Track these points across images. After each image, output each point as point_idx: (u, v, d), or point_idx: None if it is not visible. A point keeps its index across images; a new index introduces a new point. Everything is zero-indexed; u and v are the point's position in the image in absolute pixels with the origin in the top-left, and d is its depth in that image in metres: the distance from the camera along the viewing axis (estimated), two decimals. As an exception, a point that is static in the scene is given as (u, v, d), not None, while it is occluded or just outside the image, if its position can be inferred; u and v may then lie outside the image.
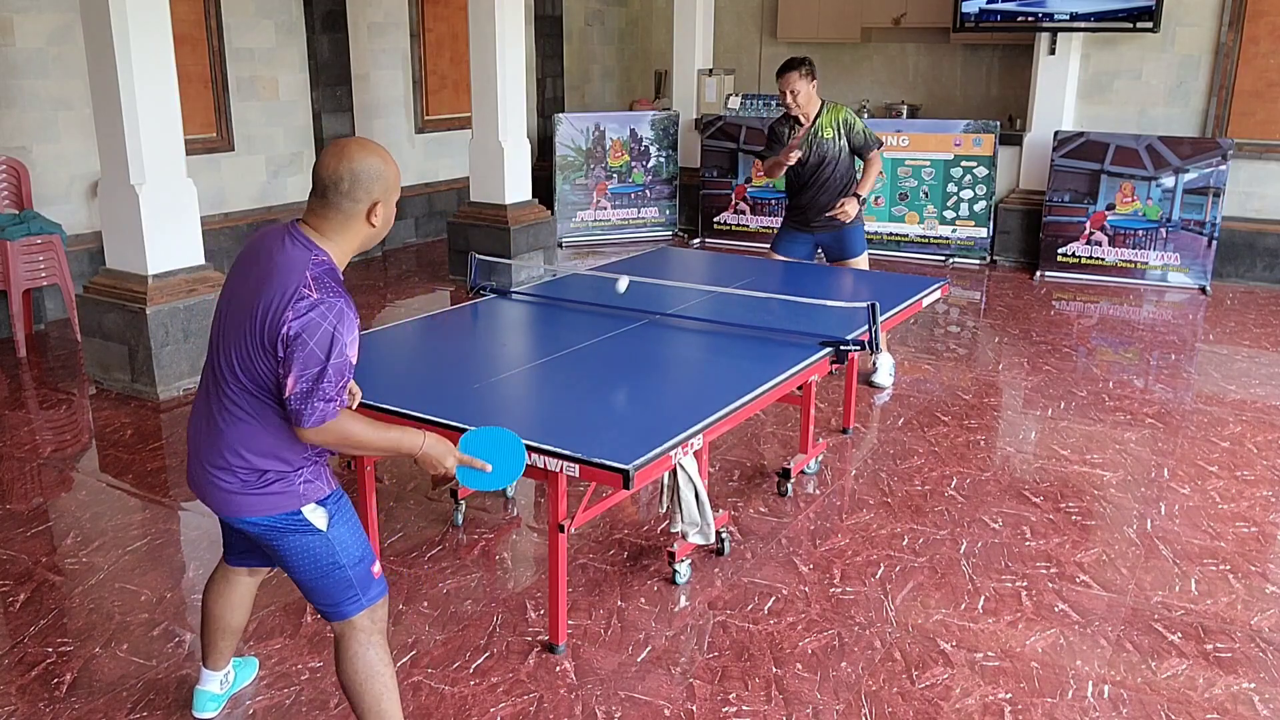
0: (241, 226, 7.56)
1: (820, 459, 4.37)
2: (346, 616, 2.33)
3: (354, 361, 2.16)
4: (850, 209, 5.00)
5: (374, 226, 2.25)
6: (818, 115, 5.13)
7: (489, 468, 2.43)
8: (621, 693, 2.84)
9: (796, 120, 5.18)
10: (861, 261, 5.26)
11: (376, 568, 2.38)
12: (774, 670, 2.94)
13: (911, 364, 5.76)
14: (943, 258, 8.34)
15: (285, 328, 2.06)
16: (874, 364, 5.31)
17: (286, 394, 2.11)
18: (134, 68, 4.82)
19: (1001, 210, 8.26)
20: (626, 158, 9.17)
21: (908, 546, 3.68)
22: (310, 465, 2.29)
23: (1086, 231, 7.76)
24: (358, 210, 2.20)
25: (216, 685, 2.74)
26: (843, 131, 5.11)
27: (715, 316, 3.95)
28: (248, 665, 2.89)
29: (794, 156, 4.97)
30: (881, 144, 5.14)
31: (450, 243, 7.69)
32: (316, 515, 2.28)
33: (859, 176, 5.22)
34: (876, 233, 8.51)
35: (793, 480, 4.11)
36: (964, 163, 8.18)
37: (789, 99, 5.09)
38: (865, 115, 9.17)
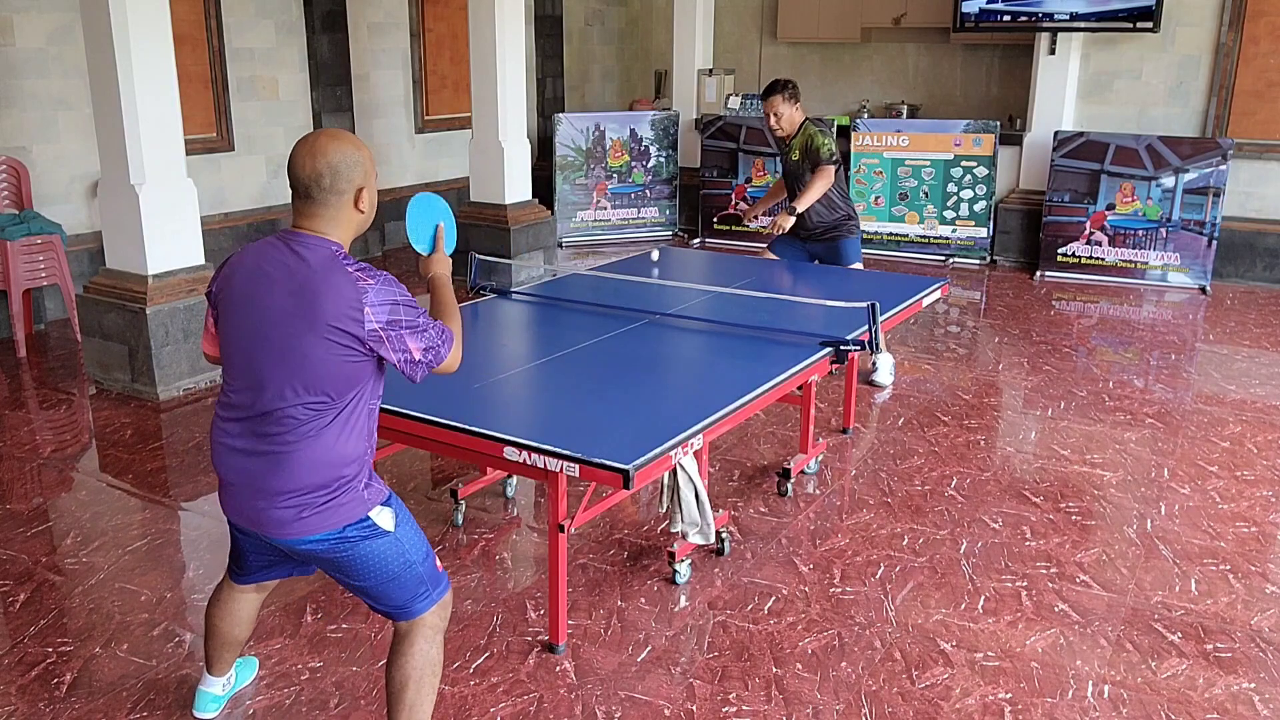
0: (241, 226, 7.56)
1: (820, 459, 4.37)
2: (417, 615, 2.32)
3: None
4: (783, 223, 5.10)
5: (362, 212, 2.25)
6: (795, 136, 5.18)
7: (443, 225, 2.66)
8: (621, 693, 2.84)
9: (784, 141, 5.29)
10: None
11: (438, 562, 2.38)
12: (774, 670, 2.94)
13: (911, 364, 5.76)
14: (943, 258, 8.34)
15: (370, 323, 2.11)
16: (874, 363, 5.32)
17: (417, 359, 2.19)
18: (134, 68, 4.82)
19: (1001, 210, 8.26)
20: (626, 158, 9.17)
21: (908, 546, 3.68)
22: (367, 468, 2.27)
23: (1086, 231, 7.76)
24: (345, 201, 2.20)
25: (219, 688, 2.74)
26: (805, 153, 5.16)
27: (715, 316, 3.95)
28: (248, 665, 2.89)
29: (782, 224, 5.12)
30: (833, 160, 5.05)
31: (450, 243, 7.68)
32: (384, 517, 2.26)
33: (844, 189, 5.30)
34: (876, 233, 8.52)
35: (793, 480, 4.11)
36: (964, 163, 8.18)
37: (771, 121, 5.23)
38: (865, 114, 9.18)
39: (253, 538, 2.37)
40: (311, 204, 2.19)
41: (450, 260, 2.64)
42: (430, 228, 2.64)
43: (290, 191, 2.22)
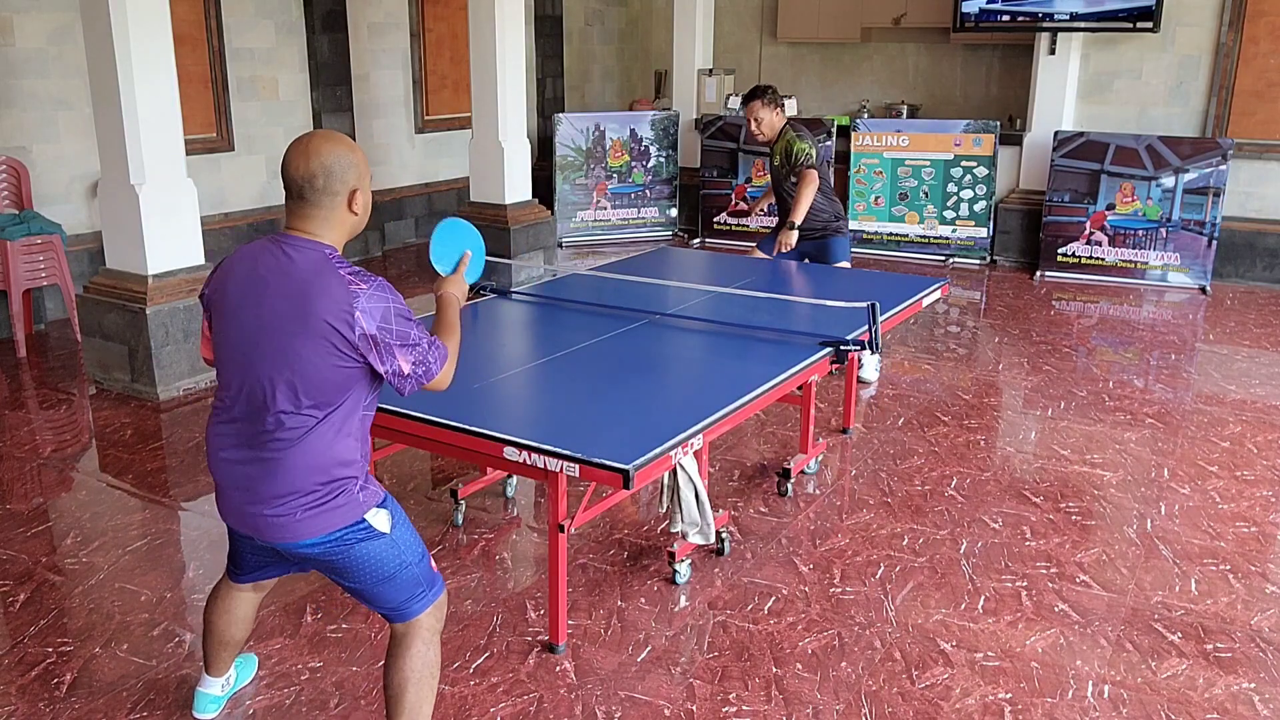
0: (241, 226, 7.56)
1: (820, 459, 4.37)
2: (413, 616, 2.33)
3: None
4: (788, 240, 5.15)
5: (356, 214, 2.23)
6: (776, 141, 5.21)
7: (469, 254, 2.64)
8: (621, 693, 2.84)
9: (769, 146, 5.33)
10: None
11: (434, 563, 2.39)
12: (774, 670, 2.94)
13: (911, 364, 5.76)
14: (943, 258, 8.34)
15: (360, 328, 2.09)
16: (860, 360, 5.32)
17: (406, 372, 2.17)
18: (134, 68, 4.82)
19: (1001, 210, 8.26)
20: (626, 158, 9.17)
21: (908, 546, 3.68)
22: (363, 471, 2.26)
23: (1086, 231, 7.76)
24: (338, 202, 2.19)
25: (218, 689, 2.73)
26: (784, 157, 5.20)
27: (715, 316, 3.95)
28: (247, 663, 2.89)
29: (788, 241, 5.15)
30: (812, 163, 5.08)
31: (450, 243, 7.68)
32: (379, 519, 2.26)
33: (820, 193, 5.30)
34: (876, 233, 8.52)
35: (793, 480, 4.11)
36: (964, 163, 8.18)
37: (752, 126, 5.28)
38: (865, 114, 9.18)
39: (249, 539, 2.37)
40: (305, 205, 2.17)
41: (467, 287, 2.64)
42: (457, 253, 2.64)
43: (284, 193, 2.21)
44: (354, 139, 8.22)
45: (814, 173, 5.08)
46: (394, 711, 2.35)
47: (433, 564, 2.39)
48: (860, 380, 5.33)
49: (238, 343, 2.18)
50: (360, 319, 2.09)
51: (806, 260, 5.34)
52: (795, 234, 5.13)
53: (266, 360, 2.13)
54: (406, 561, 2.30)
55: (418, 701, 2.34)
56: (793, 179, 5.18)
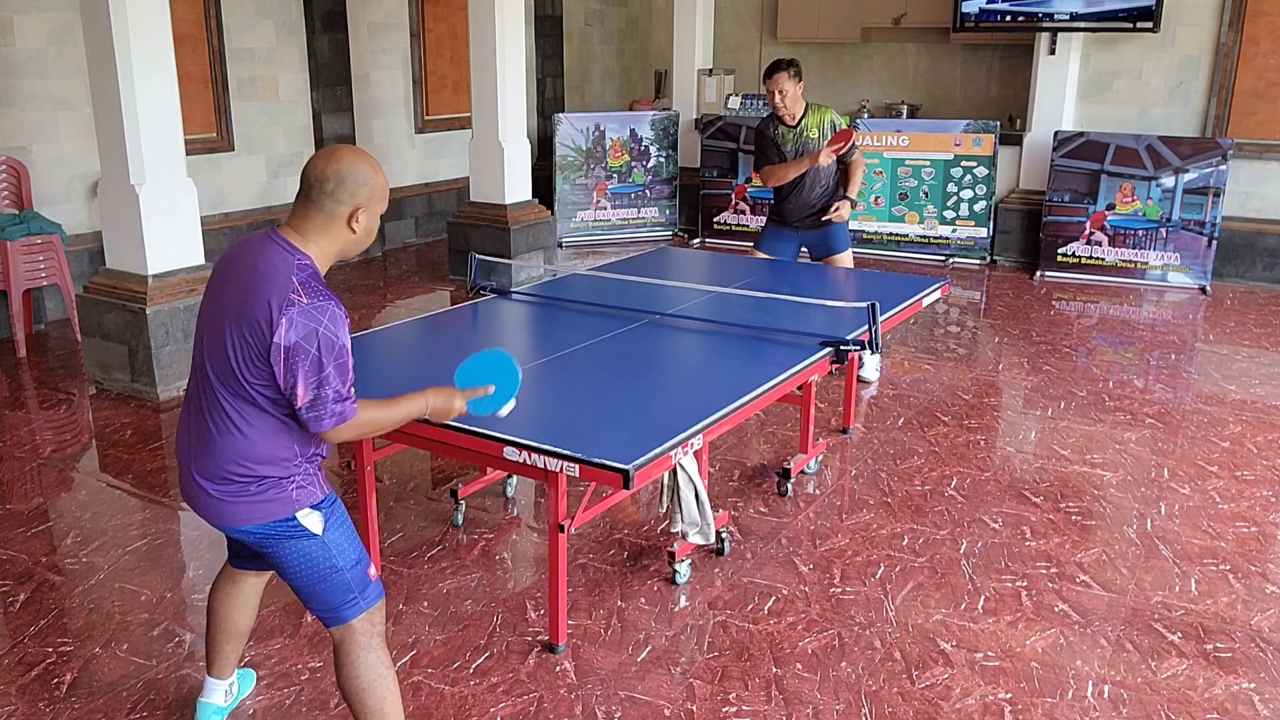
0: (242, 226, 7.56)
1: (820, 459, 4.37)
2: (345, 621, 2.32)
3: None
4: (845, 211, 5.12)
5: (354, 233, 2.23)
6: (803, 116, 5.17)
7: (491, 389, 2.47)
8: (621, 693, 2.84)
9: (781, 121, 5.20)
10: (846, 258, 5.32)
11: (373, 570, 2.37)
12: (774, 670, 2.94)
13: (911, 364, 5.76)
14: (943, 258, 8.34)
15: (279, 337, 2.06)
16: (860, 359, 5.32)
17: (299, 404, 2.12)
18: (134, 68, 4.82)
19: (1001, 210, 8.26)
20: (626, 158, 9.17)
21: (908, 546, 3.68)
22: (303, 471, 2.26)
23: (1086, 231, 7.76)
24: (340, 213, 2.19)
25: (221, 696, 2.68)
26: (828, 134, 5.14)
27: (715, 316, 3.95)
28: (246, 676, 2.85)
29: (820, 160, 5.03)
30: (858, 147, 5.18)
31: (450, 243, 7.69)
32: (311, 520, 2.26)
33: (837, 176, 5.25)
34: (876, 233, 8.52)
35: (793, 480, 4.11)
36: (964, 163, 8.18)
37: (776, 99, 5.16)
38: (866, 114, 9.18)
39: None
40: (308, 205, 2.19)
41: (457, 408, 2.46)
42: (482, 380, 2.50)
43: (296, 191, 2.23)
44: (354, 139, 8.24)
45: (863, 156, 5.15)
46: (360, 718, 2.36)
47: (371, 571, 2.36)
48: (860, 380, 5.33)
49: (202, 327, 2.24)
50: (282, 327, 2.06)
51: (806, 249, 5.34)
52: (851, 207, 5.14)
53: (212, 348, 2.18)
54: (337, 566, 2.28)
55: (378, 704, 2.33)
56: (835, 163, 5.16)
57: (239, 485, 2.20)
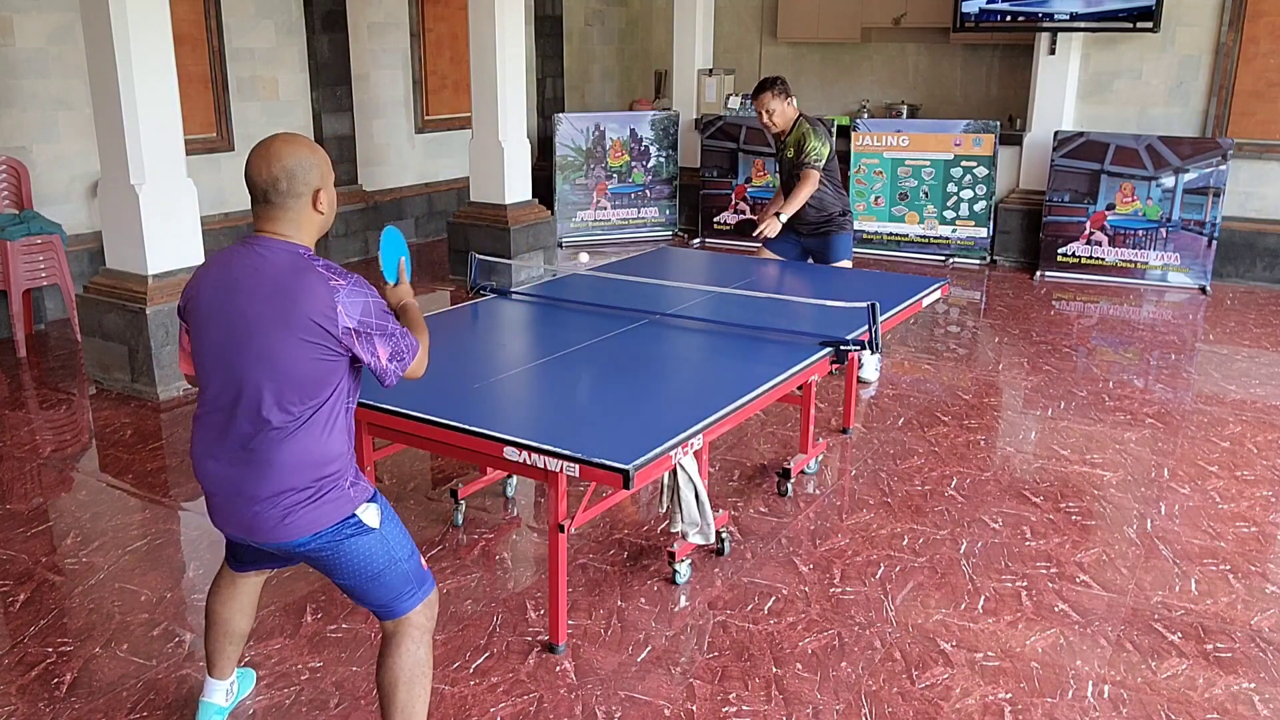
0: (241, 227, 7.56)
1: (820, 459, 4.37)
2: (404, 613, 2.32)
3: None
4: (770, 230, 5.11)
5: (321, 213, 2.27)
6: (788, 134, 5.18)
7: (404, 260, 2.69)
8: (621, 693, 2.84)
9: (779, 138, 5.29)
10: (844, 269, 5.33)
11: (423, 561, 2.40)
12: (774, 670, 2.94)
13: (911, 364, 5.76)
14: (943, 258, 8.34)
15: (342, 322, 2.14)
16: (860, 359, 5.32)
17: (384, 363, 2.23)
18: (134, 68, 4.82)
19: (1001, 210, 8.26)
20: (626, 158, 9.17)
21: (908, 546, 3.68)
22: (352, 467, 2.29)
23: (1086, 231, 7.76)
24: (304, 204, 2.22)
25: (222, 696, 2.68)
26: (797, 149, 5.17)
27: (715, 316, 3.95)
28: (246, 676, 2.84)
29: (765, 229, 5.14)
30: (818, 164, 5.06)
31: (450, 243, 7.69)
32: (369, 514, 2.28)
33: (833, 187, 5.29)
34: (876, 233, 8.52)
35: (793, 480, 4.11)
36: (964, 163, 8.18)
37: (764, 118, 5.22)
38: (865, 114, 9.18)
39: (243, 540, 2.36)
40: (271, 208, 2.20)
41: (410, 288, 2.69)
42: (395, 261, 2.67)
43: (249, 198, 2.24)
44: (354, 139, 8.24)
45: (814, 173, 5.06)
46: (387, 711, 2.35)
47: (423, 562, 2.39)
48: (860, 380, 5.33)
49: (220, 347, 2.19)
50: (342, 313, 2.14)
51: (810, 257, 5.34)
52: (778, 225, 5.09)
53: (250, 362, 2.15)
54: (396, 558, 2.30)
55: (409, 700, 2.34)
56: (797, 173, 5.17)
57: (303, 493, 2.19)
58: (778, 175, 5.56)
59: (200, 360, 2.24)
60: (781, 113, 5.16)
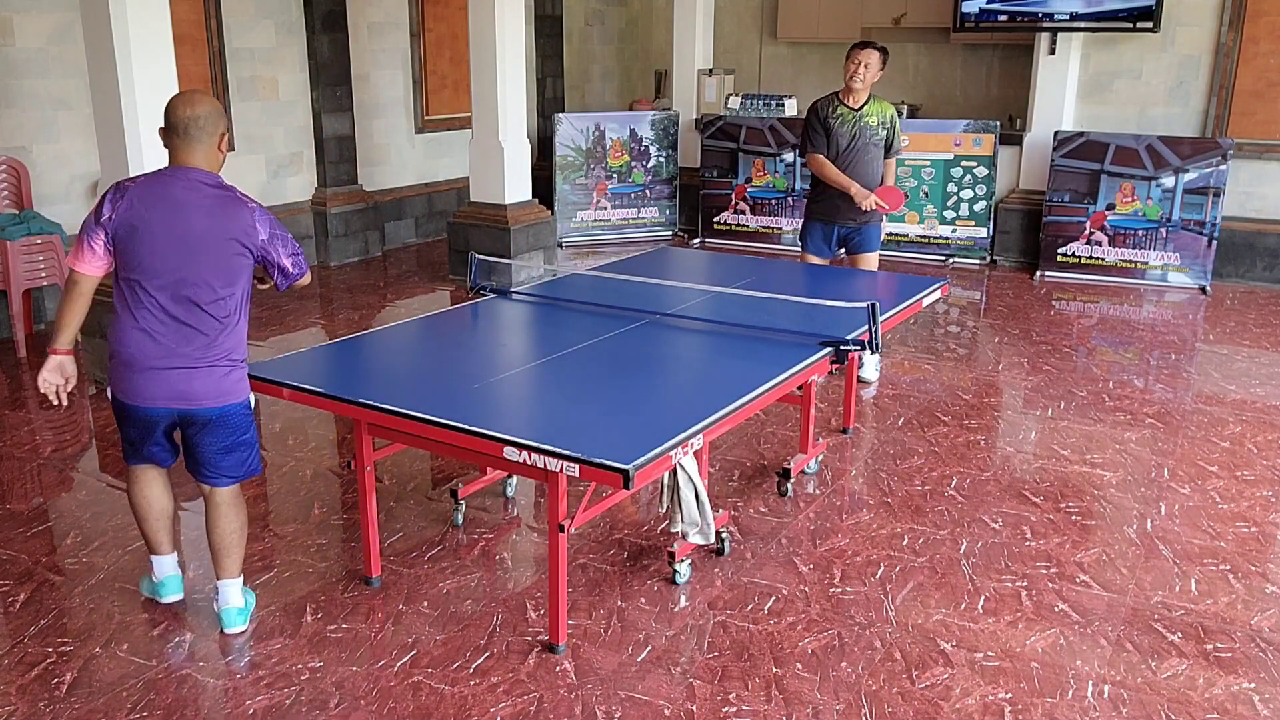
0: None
1: (820, 459, 4.37)
2: (238, 481, 3.06)
3: None
4: (873, 199, 5.12)
5: (222, 153, 2.95)
6: (865, 103, 5.17)
7: None
8: (621, 693, 2.84)
9: (842, 101, 5.21)
10: (872, 260, 5.35)
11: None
12: (774, 670, 2.94)
13: (911, 364, 5.76)
14: (943, 258, 8.34)
15: (259, 233, 2.91)
16: (860, 359, 5.32)
17: (286, 264, 2.99)
18: (134, 68, 4.82)
19: (1001, 210, 8.26)
20: (626, 158, 9.17)
21: (908, 546, 3.68)
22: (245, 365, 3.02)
23: (1086, 231, 7.76)
24: (213, 142, 2.91)
25: (170, 566, 3.25)
26: (885, 125, 5.17)
27: (715, 316, 3.95)
28: (250, 595, 3.24)
29: (861, 200, 5.08)
30: (899, 153, 5.34)
31: (450, 243, 7.69)
32: (251, 399, 3.04)
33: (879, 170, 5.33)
34: (876, 233, 8.51)
35: (793, 480, 4.11)
36: (964, 163, 8.18)
37: (856, 69, 5.14)
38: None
39: (140, 425, 2.97)
40: (190, 141, 2.86)
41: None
42: None
43: (166, 135, 2.88)
44: (354, 139, 8.25)
45: (894, 161, 5.28)
46: (229, 555, 3.05)
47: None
48: (860, 380, 5.33)
49: (174, 253, 2.82)
50: (259, 227, 2.91)
51: (841, 250, 5.36)
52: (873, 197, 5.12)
53: (200, 263, 2.83)
54: (253, 441, 3.05)
55: (240, 543, 3.08)
56: (876, 148, 5.22)
57: (229, 370, 2.93)
58: (826, 148, 5.26)
59: (152, 264, 2.82)
60: (873, 76, 5.15)
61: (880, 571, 3.50)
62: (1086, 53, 8.08)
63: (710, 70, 9.56)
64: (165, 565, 3.24)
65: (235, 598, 3.11)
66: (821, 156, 5.25)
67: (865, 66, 5.11)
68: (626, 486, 2.53)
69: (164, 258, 2.82)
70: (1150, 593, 3.38)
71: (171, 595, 3.25)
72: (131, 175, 3.31)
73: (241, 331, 2.96)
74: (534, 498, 4.09)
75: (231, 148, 7.45)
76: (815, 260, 5.38)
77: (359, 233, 8.36)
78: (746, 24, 10.38)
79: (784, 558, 3.59)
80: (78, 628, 3.15)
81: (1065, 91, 8.05)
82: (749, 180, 8.88)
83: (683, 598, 3.33)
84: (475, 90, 7.35)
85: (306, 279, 3.09)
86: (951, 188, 8.26)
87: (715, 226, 9.11)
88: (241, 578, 3.14)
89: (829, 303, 3.92)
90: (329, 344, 3.85)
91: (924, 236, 8.41)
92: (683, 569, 3.40)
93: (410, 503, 4.00)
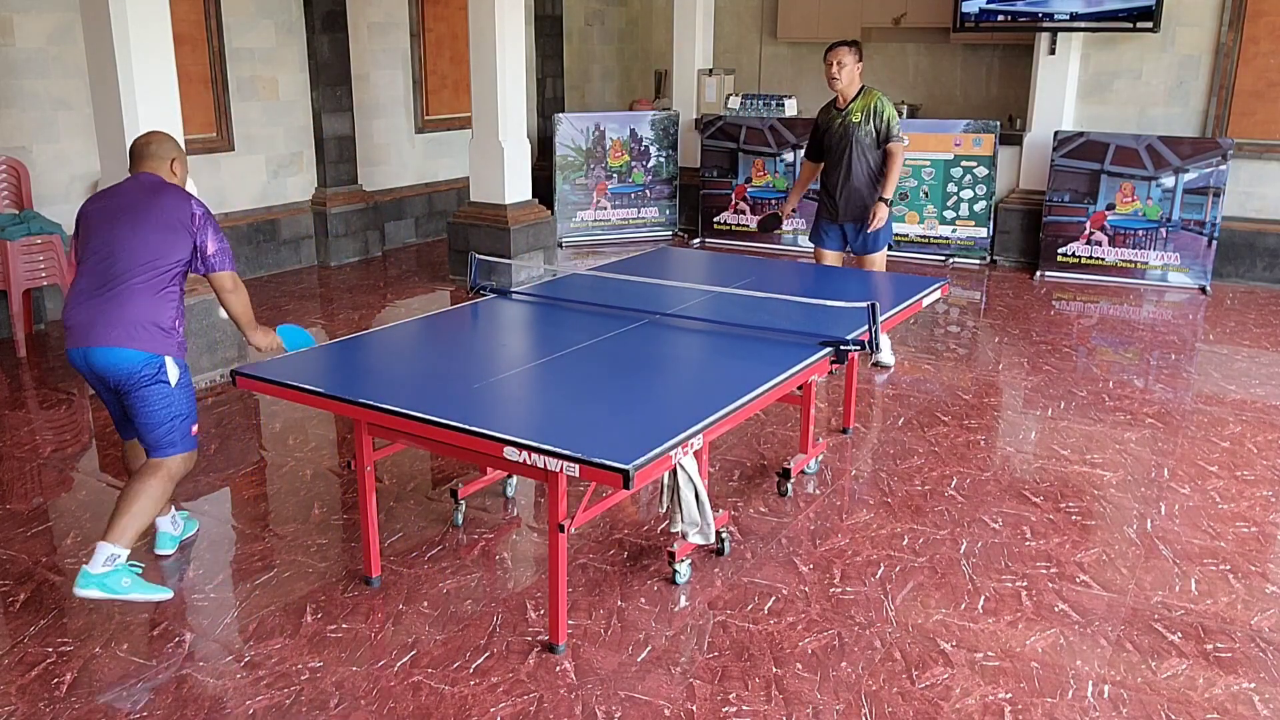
0: (242, 226, 7.57)
1: (820, 459, 4.37)
2: (165, 456, 3.21)
3: None
4: (881, 215, 5.14)
5: (176, 175, 3.38)
6: (854, 99, 5.17)
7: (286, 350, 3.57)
8: (621, 693, 2.84)
9: (832, 105, 5.24)
10: (878, 259, 5.35)
11: (195, 429, 3.30)
12: (774, 670, 2.94)
13: (911, 364, 5.76)
14: (943, 258, 8.34)
15: (193, 218, 3.25)
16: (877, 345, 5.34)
17: (212, 252, 3.28)
18: (134, 68, 4.82)
19: (1001, 210, 8.26)
20: (626, 158, 9.17)
21: (908, 546, 3.68)
22: (177, 337, 3.22)
23: (1086, 231, 7.76)
24: (165, 164, 3.36)
25: (169, 525, 3.58)
26: (870, 117, 5.14)
27: (715, 316, 3.95)
28: (191, 521, 3.70)
29: (880, 218, 5.15)
30: (902, 139, 5.20)
31: (450, 243, 7.69)
32: (172, 369, 3.20)
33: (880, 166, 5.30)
34: (876, 233, 8.51)
35: (793, 480, 4.11)
36: (964, 163, 8.18)
37: (833, 70, 5.14)
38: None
39: (88, 383, 3.26)
40: (146, 160, 3.34)
41: (275, 341, 3.57)
42: (291, 342, 3.59)
43: (129, 161, 3.37)
44: (354, 139, 8.25)
45: (902, 146, 5.08)
46: (121, 509, 3.08)
47: (194, 429, 3.29)
48: (879, 365, 5.36)
49: (105, 233, 3.18)
50: (194, 212, 3.25)
51: (847, 247, 5.37)
52: (888, 208, 5.10)
53: (128, 239, 3.16)
54: (177, 414, 3.22)
55: (140, 511, 3.10)
56: (867, 141, 5.15)
57: (142, 326, 3.14)
58: (804, 160, 5.53)
59: (90, 246, 3.20)
60: (851, 73, 5.14)
61: (880, 571, 3.50)
62: (1086, 53, 8.08)
63: (710, 70, 9.56)
64: (162, 523, 3.58)
65: (96, 565, 3.03)
66: (806, 162, 5.51)
67: (839, 65, 5.14)
68: (626, 486, 2.53)
69: (100, 239, 3.21)
70: (1150, 593, 3.38)
71: (164, 548, 3.59)
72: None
73: (167, 303, 3.19)
74: (534, 498, 4.10)
75: (231, 148, 7.60)
76: (828, 255, 5.39)
77: (359, 233, 8.36)
78: (746, 24, 10.38)
79: (784, 558, 3.59)
80: (78, 628, 3.15)
81: (1065, 91, 8.05)
82: (749, 180, 8.89)
83: (683, 598, 3.33)
84: (475, 90, 7.35)
85: (227, 279, 3.32)
86: (951, 188, 8.26)
87: (715, 226, 9.11)
88: (126, 541, 3.08)
89: (829, 303, 3.92)
90: (329, 344, 3.85)
91: (924, 236, 8.41)
92: (683, 569, 3.40)
93: (410, 503, 4.00)
